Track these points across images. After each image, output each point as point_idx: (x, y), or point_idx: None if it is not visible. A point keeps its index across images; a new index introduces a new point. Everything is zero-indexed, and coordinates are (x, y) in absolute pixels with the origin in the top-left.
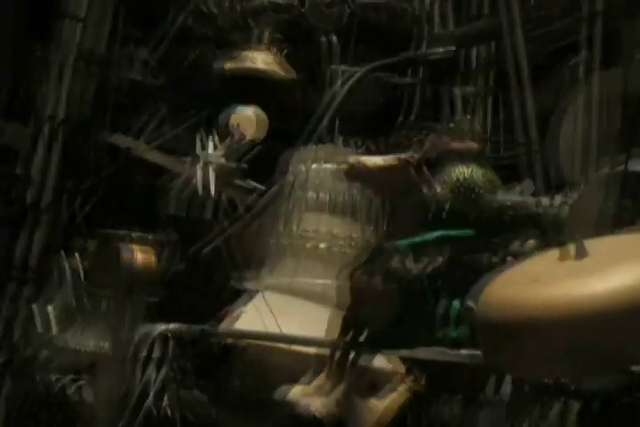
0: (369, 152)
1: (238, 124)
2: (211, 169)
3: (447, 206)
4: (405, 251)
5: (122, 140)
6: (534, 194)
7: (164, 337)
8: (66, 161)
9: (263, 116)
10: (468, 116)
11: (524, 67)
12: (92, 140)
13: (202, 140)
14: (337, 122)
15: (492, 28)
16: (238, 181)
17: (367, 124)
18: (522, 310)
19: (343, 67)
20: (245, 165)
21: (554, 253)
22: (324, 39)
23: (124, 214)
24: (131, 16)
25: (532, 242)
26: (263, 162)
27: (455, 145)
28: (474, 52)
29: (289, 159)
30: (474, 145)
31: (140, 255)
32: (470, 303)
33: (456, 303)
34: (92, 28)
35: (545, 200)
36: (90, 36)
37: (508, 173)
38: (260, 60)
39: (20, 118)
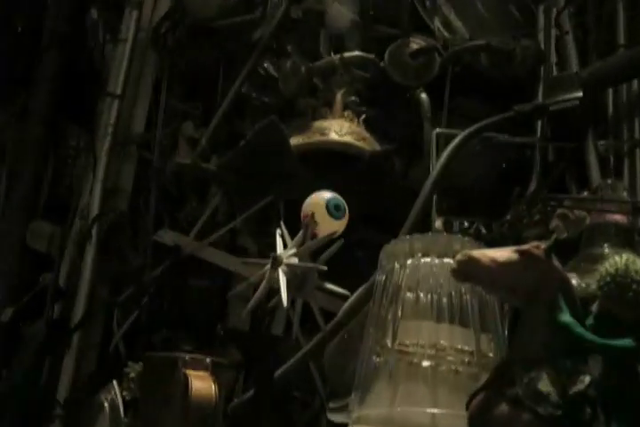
0: (479, 237)
1: (312, 215)
2: (281, 271)
3: (595, 308)
4: (547, 367)
5: (169, 237)
6: None
7: None
8: (101, 265)
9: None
10: (609, 181)
11: None
12: (131, 239)
13: (279, 236)
14: (434, 199)
15: (633, 62)
16: (316, 286)
17: (476, 200)
18: None
19: (440, 130)
20: (323, 266)
21: None
22: (416, 97)
23: (174, 330)
24: (174, 88)
25: None
26: (353, 259)
27: (594, 221)
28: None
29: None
30: (621, 219)
31: (197, 383)
32: None
33: None
34: (130, 105)
35: None
36: (127, 114)
37: None
38: (333, 130)
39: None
